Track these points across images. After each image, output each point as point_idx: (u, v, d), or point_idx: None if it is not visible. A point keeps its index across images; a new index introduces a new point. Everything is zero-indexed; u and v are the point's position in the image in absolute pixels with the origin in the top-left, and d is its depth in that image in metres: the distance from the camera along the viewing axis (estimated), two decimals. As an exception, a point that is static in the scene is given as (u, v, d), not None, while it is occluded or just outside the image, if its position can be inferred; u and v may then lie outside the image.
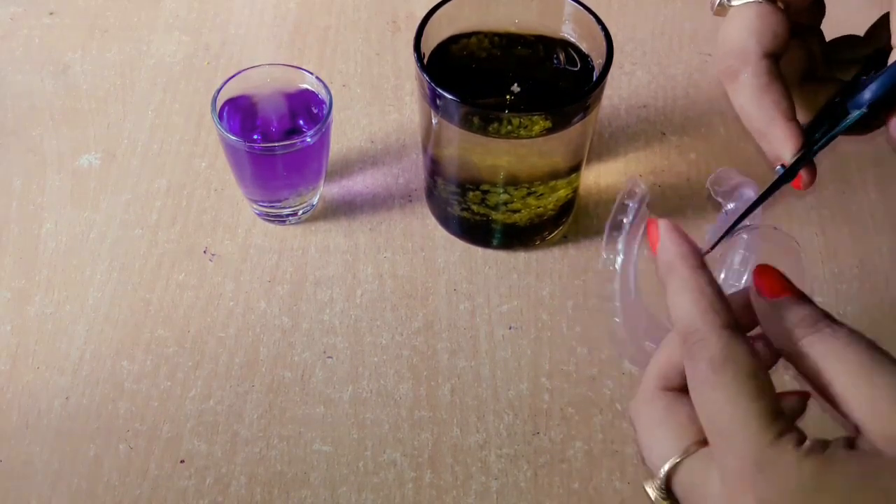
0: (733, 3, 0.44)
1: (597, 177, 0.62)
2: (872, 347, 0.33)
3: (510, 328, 0.56)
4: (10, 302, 0.56)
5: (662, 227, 0.38)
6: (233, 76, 0.56)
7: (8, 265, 0.58)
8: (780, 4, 0.43)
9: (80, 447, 0.51)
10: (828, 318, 0.34)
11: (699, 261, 0.36)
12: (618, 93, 0.67)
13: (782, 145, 0.42)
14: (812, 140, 0.42)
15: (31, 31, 0.71)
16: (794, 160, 0.42)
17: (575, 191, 0.59)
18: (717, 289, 0.35)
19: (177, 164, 0.63)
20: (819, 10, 0.47)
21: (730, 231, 0.43)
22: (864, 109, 0.40)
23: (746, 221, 0.43)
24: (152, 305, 0.56)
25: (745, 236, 0.43)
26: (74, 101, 0.67)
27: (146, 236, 0.59)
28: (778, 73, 0.43)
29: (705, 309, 0.35)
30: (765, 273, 0.36)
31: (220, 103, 0.56)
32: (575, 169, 0.56)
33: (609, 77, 0.51)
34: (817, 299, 0.56)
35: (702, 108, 0.66)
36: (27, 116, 0.66)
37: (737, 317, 0.35)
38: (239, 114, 0.57)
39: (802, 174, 0.42)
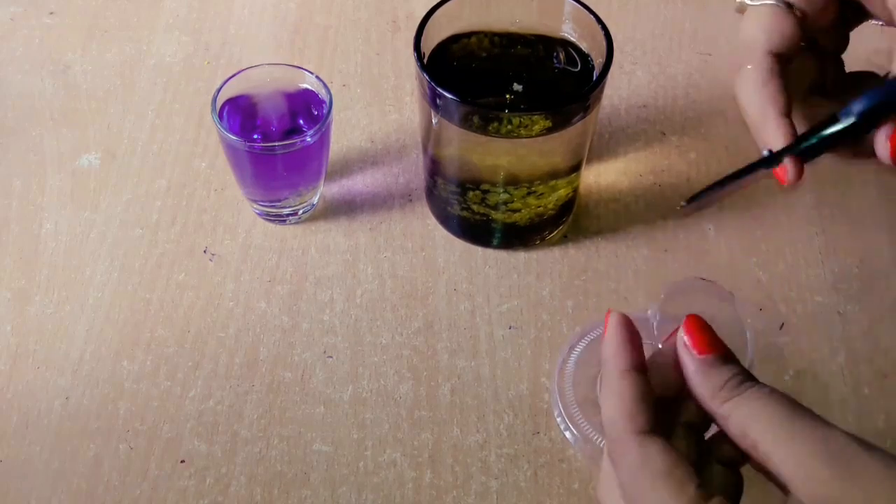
0: (750, 3, 0.46)
1: (597, 176, 0.62)
2: (794, 405, 0.35)
3: (510, 328, 0.56)
4: (10, 302, 0.56)
5: (611, 320, 0.39)
6: (233, 76, 0.56)
7: (8, 265, 0.58)
8: (796, 13, 0.45)
9: (80, 447, 0.51)
10: (751, 379, 0.36)
11: (630, 361, 0.38)
12: (618, 92, 0.67)
13: (773, 138, 0.43)
14: (802, 137, 0.43)
15: (32, 32, 0.71)
16: (777, 151, 0.43)
17: (575, 190, 0.59)
18: (638, 391, 0.37)
19: (177, 164, 0.63)
20: (841, 38, 0.49)
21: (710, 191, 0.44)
22: (853, 118, 0.41)
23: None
24: (152, 305, 0.56)
25: (661, 297, 0.44)
26: (74, 101, 0.67)
27: (146, 236, 0.59)
28: (779, 70, 0.44)
29: (623, 414, 0.36)
30: (694, 327, 0.38)
31: (220, 103, 0.56)
32: (575, 168, 0.56)
33: (609, 77, 0.51)
34: (817, 299, 0.57)
35: (702, 108, 0.66)
36: (27, 116, 0.66)
37: (666, 377, 0.38)
38: (239, 113, 0.57)
39: (788, 168, 0.43)
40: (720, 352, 0.37)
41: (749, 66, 0.45)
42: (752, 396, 0.35)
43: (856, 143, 0.43)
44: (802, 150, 0.43)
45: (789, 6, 0.45)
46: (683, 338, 0.37)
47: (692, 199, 0.45)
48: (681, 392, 0.38)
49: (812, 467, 0.33)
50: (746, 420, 0.35)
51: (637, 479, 0.35)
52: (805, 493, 0.33)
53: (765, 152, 0.43)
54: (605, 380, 0.38)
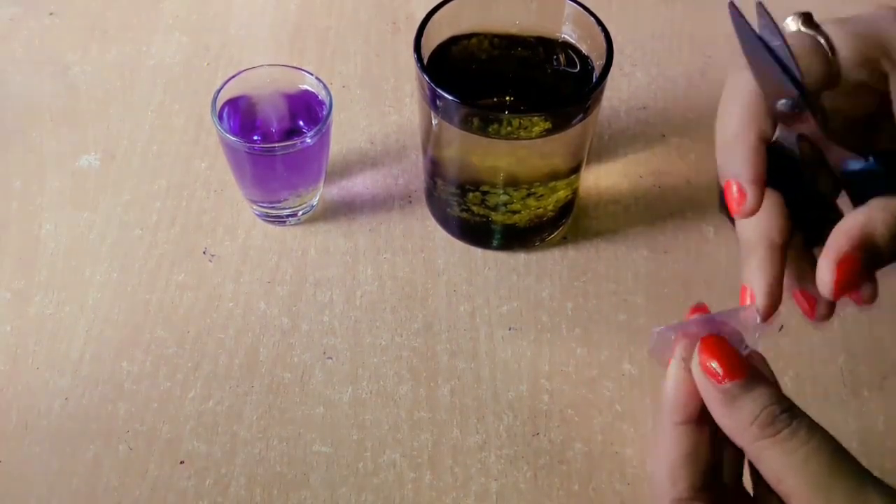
0: (797, 28, 0.40)
1: (596, 178, 0.62)
2: (835, 459, 0.32)
3: (510, 329, 0.56)
4: (10, 302, 0.56)
5: (673, 363, 0.36)
6: (232, 77, 0.56)
7: (8, 266, 0.58)
8: (827, 52, 0.39)
9: (80, 448, 0.51)
10: (786, 410, 0.33)
11: (687, 413, 0.35)
12: (617, 94, 0.67)
13: (737, 164, 0.38)
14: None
15: (31, 32, 0.71)
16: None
17: (575, 192, 0.59)
18: (686, 450, 0.35)
19: (176, 165, 0.63)
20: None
21: None
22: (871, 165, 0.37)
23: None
24: (152, 306, 0.56)
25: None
26: (74, 101, 0.67)
27: (146, 237, 0.59)
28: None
29: (666, 477, 0.35)
30: (711, 351, 0.34)
31: (219, 104, 0.56)
32: (575, 170, 0.56)
33: (609, 78, 0.51)
34: (817, 301, 0.57)
35: (702, 110, 0.66)
36: (27, 117, 0.66)
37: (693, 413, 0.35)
38: (239, 114, 0.58)
39: (746, 193, 0.37)
40: (744, 376, 0.33)
41: (744, 72, 0.39)
42: (790, 448, 0.32)
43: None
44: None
45: (826, 38, 0.39)
46: (702, 363, 0.34)
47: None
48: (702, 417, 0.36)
49: None
50: (782, 469, 0.32)
51: None
52: None
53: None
54: (659, 429, 0.36)
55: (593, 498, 0.50)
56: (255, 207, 0.60)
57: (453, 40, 0.55)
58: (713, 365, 0.34)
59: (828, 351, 0.55)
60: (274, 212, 0.59)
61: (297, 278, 0.58)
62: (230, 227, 0.60)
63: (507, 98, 0.55)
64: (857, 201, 0.37)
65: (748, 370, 0.34)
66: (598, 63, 0.53)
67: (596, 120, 0.54)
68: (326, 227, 0.60)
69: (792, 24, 0.40)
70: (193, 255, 0.59)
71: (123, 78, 0.68)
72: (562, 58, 0.56)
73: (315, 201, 0.60)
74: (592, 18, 0.53)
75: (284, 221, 0.60)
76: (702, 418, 0.35)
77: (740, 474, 0.37)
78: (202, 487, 0.50)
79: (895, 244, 0.35)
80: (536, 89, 0.56)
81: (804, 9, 0.41)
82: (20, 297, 0.57)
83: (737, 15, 0.38)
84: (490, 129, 0.50)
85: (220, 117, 0.56)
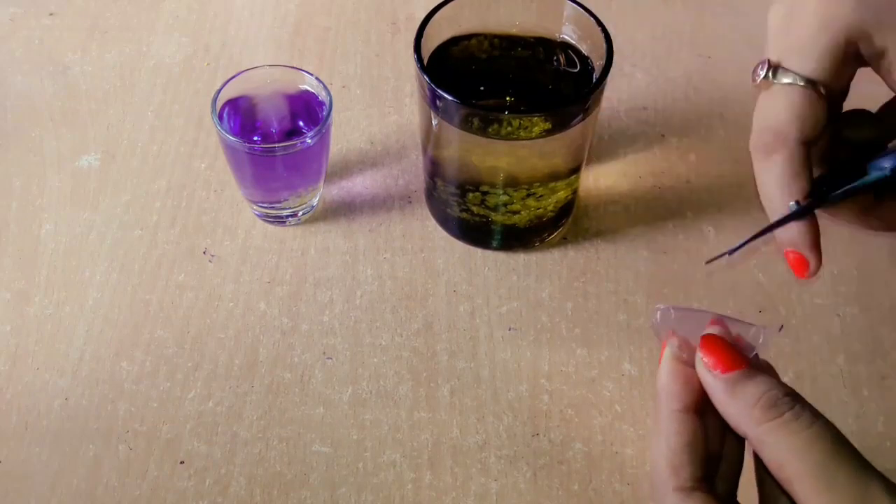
0: (781, 81, 0.42)
1: (596, 178, 0.62)
2: (836, 446, 0.32)
3: (509, 329, 0.56)
4: (9, 302, 0.56)
5: (667, 352, 0.37)
6: (233, 77, 0.56)
7: (8, 266, 0.58)
8: (820, 89, 0.41)
9: (80, 448, 0.51)
10: (788, 394, 0.34)
11: (684, 402, 0.36)
12: (617, 95, 0.67)
13: (799, 233, 0.41)
14: (826, 187, 0.42)
15: (31, 32, 0.71)
16: (806, 204, 0.41)
17: (574, 192, 0.59)
18: (687, 438, 0.35)
19: (176, 165, 0.63)
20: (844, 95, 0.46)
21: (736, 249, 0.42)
22: (885, 173, 0.39)
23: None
24: (152, 306, 0.56)
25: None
26: (74, 101, 0.67)
27: (146, 237, 0.59)
28: (809, 162, 0.41)
29: (667, 465, 0.35)
30: (712, 344, 0.35)
31: (220, 104, 0.56)
32: (574, 170, 0.56)
33: (609, 79, 0.51)
34: (816, 301, 0.57)
35: (701, 110, 0.66)
36: (27, 117, 0.66)
37: (693, 402, 0.36)
38: (239, 115, 0.58)
39: (809, 260, 0.41)
40: (745, 366, 0.35)
41: (780, 156, 0.40)
42: (793, 429, 0.33)
43: (877, 194, 0.42)
44: (829, 202, 0.42)
45: (814, 84, 0.41)
46: (703, 359, 0.35)
47: (713, 260, 0.42)
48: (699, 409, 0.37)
49: None
50: (784, 454, 0.33)
51: None
52: None
53: (792, 204, 0.41)
54: (657, 417, 0.36)
55: (593, 498, 0.50)
56: (255, 207, 0.60)
57: (453, 41, 0.55)
58: (714, 360, 0.35)
59: (828, 351, 0.55)
60: (274, 212, 0.59)
61: (297, 278, 0.58)
62: (230, 227, 0.60)
63: (507, 98, 0.55)
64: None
65: (749, 362, 0.35)
66: (597, 63, 0.53)
67: (596, 120, 0.54)
68: (326, 227, 0.60)
69: (761, 72, 0.41)
70: (193, 255, 0.59)
71: (123, 78, 0.68)
72: (562, 58, 0.56)
73: (315, 201, 0.60)
74: (592, 19, 0.53)
75: (284, 221, 0.60)
76: (700, 408, 0.36)
77: (734, 489, 0.37)
78: (202, 487, 0.50)
79: None
80: (536, 90, 0.56)
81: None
82: (20, 297, 0.57)
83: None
84: (490, 130, 0.50)
85: (221, 118, 0.56)
